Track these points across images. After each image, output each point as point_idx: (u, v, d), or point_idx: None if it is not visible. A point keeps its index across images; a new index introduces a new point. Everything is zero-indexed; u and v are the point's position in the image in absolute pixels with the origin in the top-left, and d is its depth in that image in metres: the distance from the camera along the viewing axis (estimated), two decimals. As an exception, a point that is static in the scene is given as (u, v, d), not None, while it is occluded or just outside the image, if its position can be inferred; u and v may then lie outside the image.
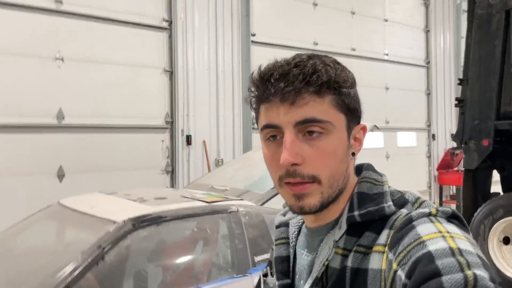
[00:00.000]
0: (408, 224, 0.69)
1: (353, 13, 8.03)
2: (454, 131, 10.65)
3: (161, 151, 5.78)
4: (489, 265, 0.60)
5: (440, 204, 9.63)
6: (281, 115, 0.75)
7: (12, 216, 4.34)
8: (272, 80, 0.75)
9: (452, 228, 0.67)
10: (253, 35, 6.63)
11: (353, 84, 0.80)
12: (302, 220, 0.91)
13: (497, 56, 4.44)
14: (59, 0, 4.91)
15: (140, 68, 5.56)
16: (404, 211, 0.75)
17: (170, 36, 5.82)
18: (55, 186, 4.88)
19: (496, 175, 5.04)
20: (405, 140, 9.08)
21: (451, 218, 0.70)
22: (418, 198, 0.78)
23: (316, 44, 7.36)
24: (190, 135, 5.95)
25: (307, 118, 0.74)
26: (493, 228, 4.36)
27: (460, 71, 10.47)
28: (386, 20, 8.63)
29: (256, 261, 2.50)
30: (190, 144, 5.96)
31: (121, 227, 2.18)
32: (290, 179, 0.76)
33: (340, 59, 0.82)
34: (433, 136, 9.76)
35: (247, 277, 2.41)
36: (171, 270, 2.35)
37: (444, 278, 0.57)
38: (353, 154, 0.81)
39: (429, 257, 0.60)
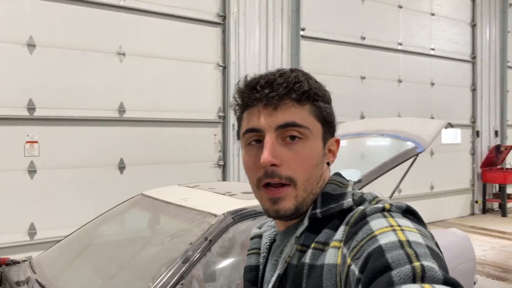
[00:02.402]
0: (362, 219, 0.71)
1: (400, 7, 7.92)
2: (498, 128, 10.43)
3: (213, 145, 5.87)
4: (440, 255, 0.61)
5: (484, 203, 9.45)
6: (264, 119, 0.79)
7: (81, 206, 4.52)
8: (258, 87, 0.80)
9: (405, 222, 0.67)
10: (303, 29, 6.62)
11: (329, 100, 0.85)
12: (275, 233, 0.93)
13: None
14: (121, -4, 5.03)
15: (195, 63, 5.64)
16: (360, 208, 0.76)
17: (223, 31, 5.88)
18: (116, 178, 5.02)
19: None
20: (449, 136, 8.93)
21: (406, 212, 0.71)
22: (376, 197, 0.80)
23: (364, 38, 7.30)
24: (241, 130, 6.01)
25: (288, 122, 0.78)
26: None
27: (506, 66, 10.22)
28: (433, 14, 8.47)
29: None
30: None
31: (222, 220, 2.25)
32: (268, 179, 0.79)
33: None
34: (477, 133, 9.57)
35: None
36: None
37: (394, 273, 0.57)
38: (328, 164, 0.86)
39: (379, 251, 0.61)
